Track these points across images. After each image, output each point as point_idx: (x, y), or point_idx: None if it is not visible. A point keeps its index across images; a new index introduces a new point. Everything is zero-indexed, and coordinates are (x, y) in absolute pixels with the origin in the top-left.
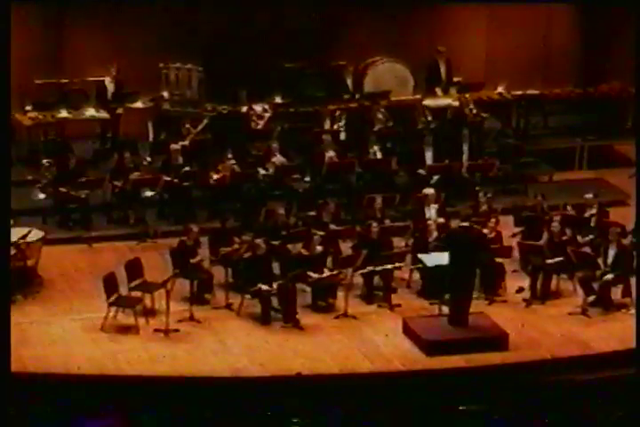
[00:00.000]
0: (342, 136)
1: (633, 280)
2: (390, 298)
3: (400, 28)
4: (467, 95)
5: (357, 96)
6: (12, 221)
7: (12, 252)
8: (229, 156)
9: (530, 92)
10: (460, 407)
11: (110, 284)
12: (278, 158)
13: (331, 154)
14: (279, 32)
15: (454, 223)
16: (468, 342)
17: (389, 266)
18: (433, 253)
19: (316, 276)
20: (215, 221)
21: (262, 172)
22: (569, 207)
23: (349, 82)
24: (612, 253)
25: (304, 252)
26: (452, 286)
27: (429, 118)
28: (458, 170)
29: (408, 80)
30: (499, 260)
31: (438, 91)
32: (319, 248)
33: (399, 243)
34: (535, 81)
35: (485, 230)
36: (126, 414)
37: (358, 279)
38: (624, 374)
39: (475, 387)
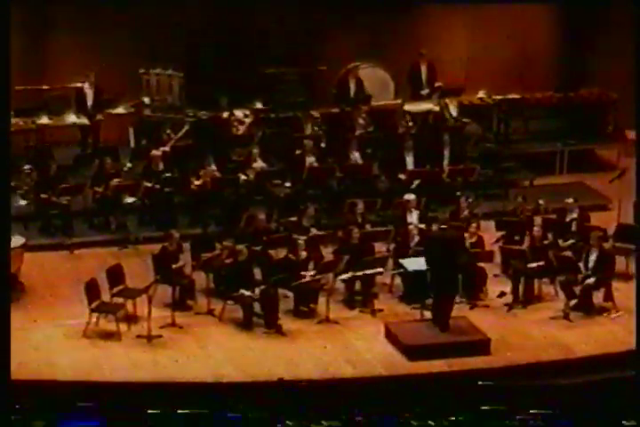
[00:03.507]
0: (323, 141)
1: (614, 284)
2: (372, 303)
3: (381, 34)
4: (447, 100)
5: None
6: None
7: None
8: (210, 161)
9: (510, 96)
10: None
11: (92, 290)
12: (259, 164)
13: (311, 159)
14: (260, 38)
15: (435, 228)
16: (450, 347)
17: (371, 271)
18: (414, 258)
19: (306, 275)
20: (196, 227)
21: (243, 177)
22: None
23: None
24: (593, 257)
25: (291, 257)
26: (434, 290)
27: (410, 123)
28: (439, 175)
29: (389, 85)
30: (480, 264)
31: (424, 92)
32: (304, 253)
33: (380, 248)
34: (516, 86)
35: (466, 235)
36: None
37: (340, 284)
38: (606, 377)
39: (457, 391)
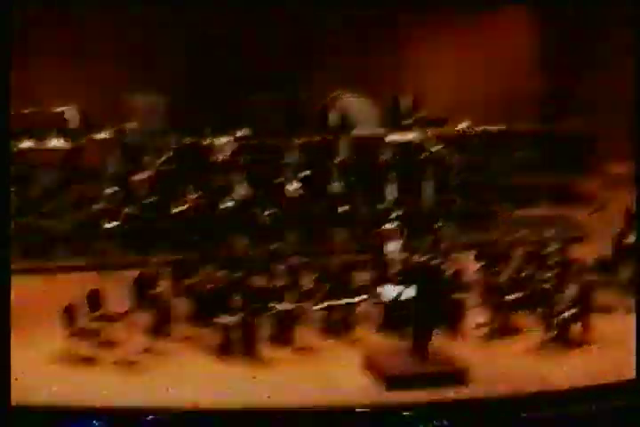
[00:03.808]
0: (304, 169)
1: (592, 317)
2: (351, 332)
3: (366, 64)
4: (430, 130)
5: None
6: None
7: None
8: (192, 188)
9: (493, 128)
10: None
11: (70, 315)
12: (240, 191)
13: (293, 187)
14: (243, 65)
15: (415, 258)
16: (429, 377)
17: (350, 300)
18: (393, 288)
19: (278, 306)
20: (177, 253)
21: (225, 204)
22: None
23: None
24: (572, 289)
25: (270, 284)
26: (413, 320)
27: (392, 154)
28: (419, 205)
29: (371, 115)
30: (459, 295)
31: (406, 122)
32: (282, 281)
33: (360, 277)
34: (498, 117)
35: (445, 266)
36: None
37: (319, 313)
38: (583, 409)
39: (435, 421)
